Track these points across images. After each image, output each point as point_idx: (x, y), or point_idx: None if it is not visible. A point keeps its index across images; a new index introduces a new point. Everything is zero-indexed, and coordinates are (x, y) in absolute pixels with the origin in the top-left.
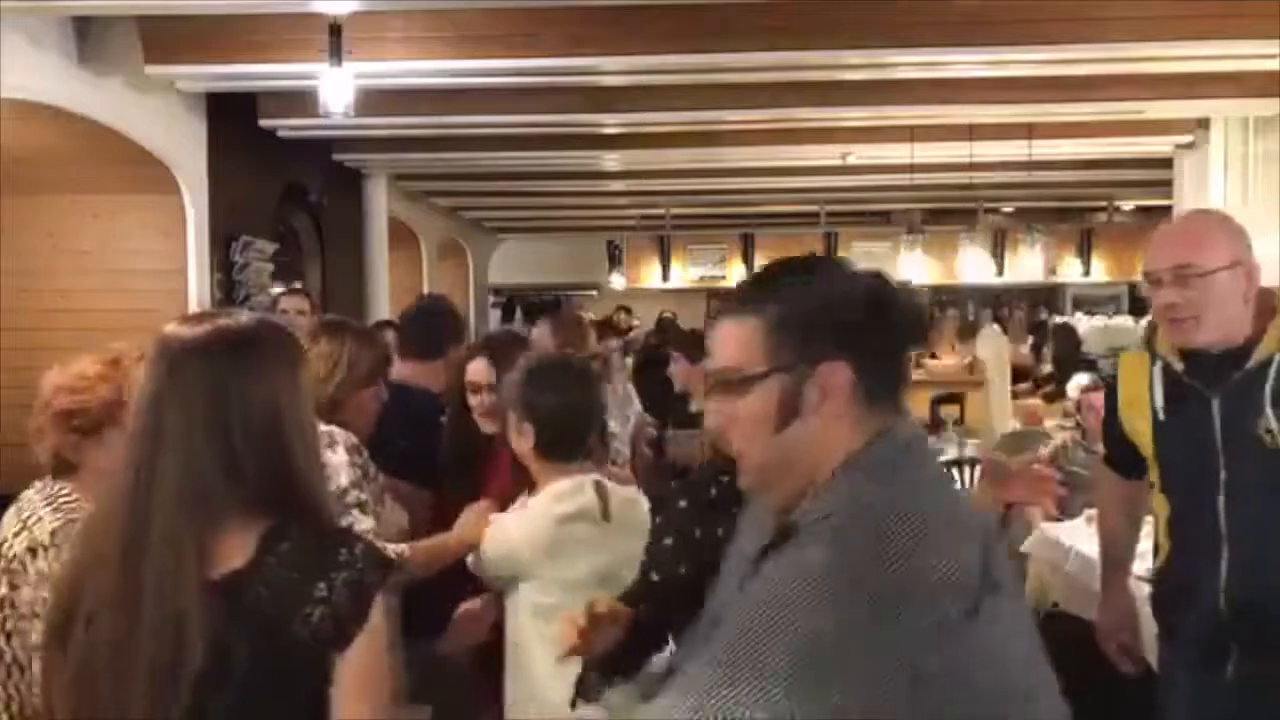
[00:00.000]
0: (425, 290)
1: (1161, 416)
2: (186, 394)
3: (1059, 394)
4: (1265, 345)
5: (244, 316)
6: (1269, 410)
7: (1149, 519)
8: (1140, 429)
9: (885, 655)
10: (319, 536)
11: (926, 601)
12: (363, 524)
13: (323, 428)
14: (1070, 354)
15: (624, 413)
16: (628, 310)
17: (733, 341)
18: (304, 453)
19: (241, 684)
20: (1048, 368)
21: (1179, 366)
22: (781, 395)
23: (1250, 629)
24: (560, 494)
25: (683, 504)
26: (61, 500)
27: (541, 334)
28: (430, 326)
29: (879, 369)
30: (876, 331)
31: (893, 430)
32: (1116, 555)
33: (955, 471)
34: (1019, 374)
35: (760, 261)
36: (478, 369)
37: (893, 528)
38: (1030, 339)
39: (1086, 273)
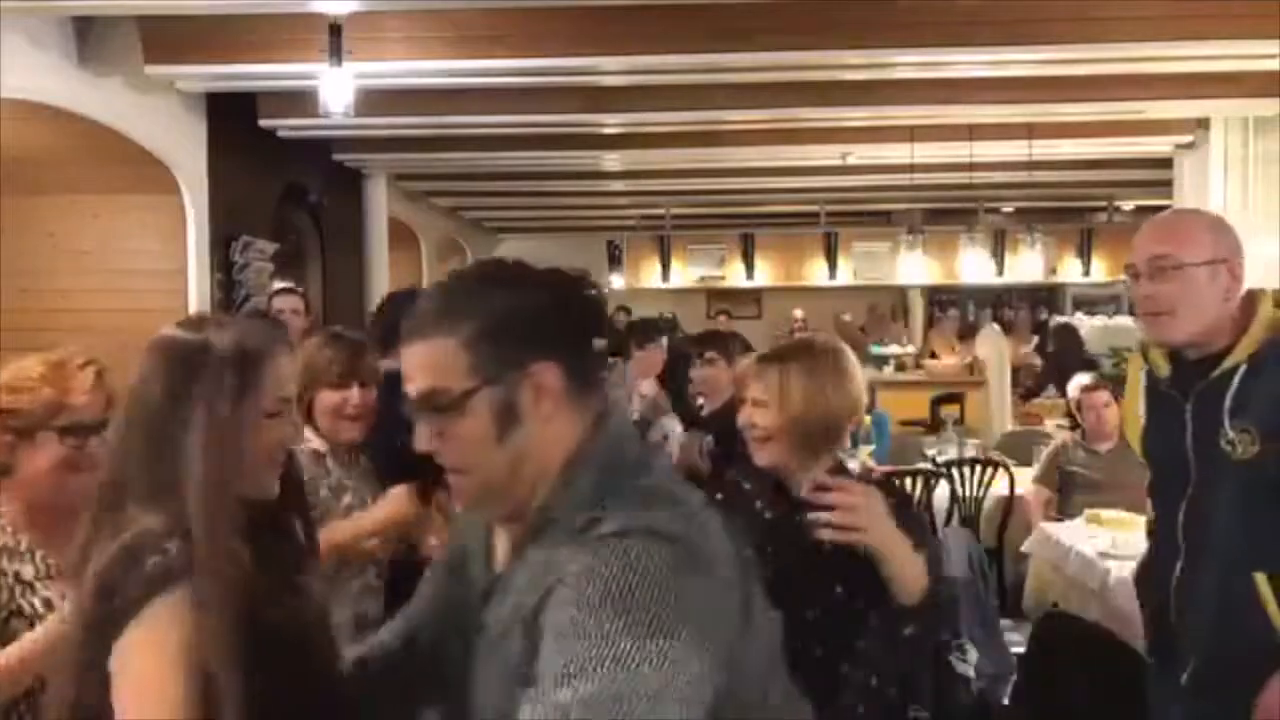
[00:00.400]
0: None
1: (1144, 421)
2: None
3: (1034, 393)
4: (1236, 353)
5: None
6: (1226, 421)
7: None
8: (1132, 433)
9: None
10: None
11: (724, 590)
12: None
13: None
14: (1073, 353)
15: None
16: (627, 310)
17: (431, 363)
18: (199, 465)
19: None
20: (1038, 361)
21: (1164, 371)
22: (497, 407)
23: (1198, 640)
24: None
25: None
26: None
27: None
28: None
29: (580, 361)
30: (569, 325)
31: (607, 416)
32: None
33: (955, 472)
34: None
35: (760, 261)
36: None
37: (674, 528)
38: (1035, 339)
39: (1086, 273)
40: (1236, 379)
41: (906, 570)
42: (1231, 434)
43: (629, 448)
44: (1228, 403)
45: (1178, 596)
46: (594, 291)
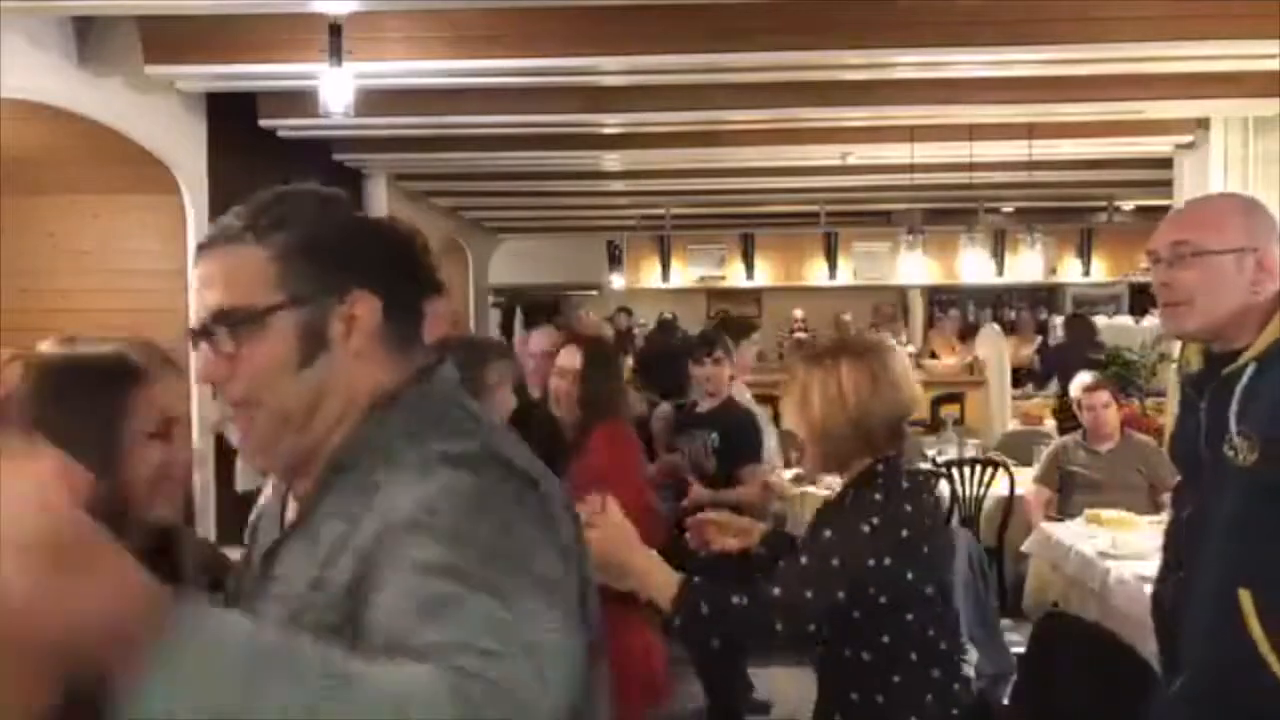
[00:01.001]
0: None
1: (1173, 424)
2: None
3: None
4: (1251, 350)
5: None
6: (1232, 424)
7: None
8: (1169, 433)
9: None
10: None
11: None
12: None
13: None
14: (1082, 346)
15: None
16: (629, 311)
17: (233, 275)
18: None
19: None
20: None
21: (1194, 367)
22: (303, 329)
23: (1191, 651)
24: None
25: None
26: None
27: (539, 340)
28: None
29: (401, 303)
30: (403, 271)
31: (433, 371)
32: None
33: (955, 472)
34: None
35: (760, 261)
36: (568, 356)
37: (505, 467)
38: (1038, 339)
39: (1086, 273)
40: (1245, 378)
41: (648, 581)
42: (1236, 438)
43: (455, 409)
44: (1234, 404)
45: (1175, 605)
46: (428, 250)
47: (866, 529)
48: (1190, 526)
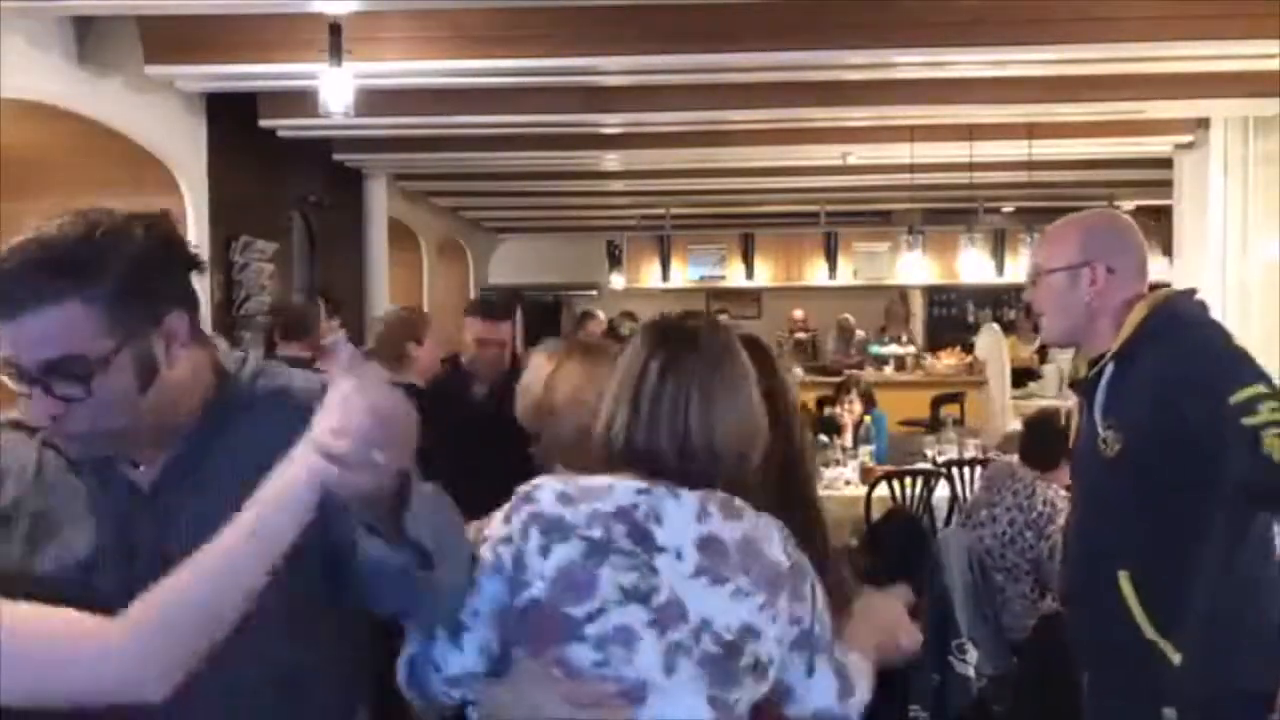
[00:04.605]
0: (425, 290)
1: (1074, 435)
2: None
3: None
4: (1111, 351)
5: None
6: (1099, 420)
7: None
8: None
9: None
10: None
11: None
12: None
13: None
14: None
15: None
16: (633, 316)
17: (57, 331)
18: None
19: None
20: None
21: (1080, 374)
22: (138, 363)
23: (1081, 641)
24: None
25: None
26: None
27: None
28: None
29: (191, 304)
30: (183, 270)
31: (247, 359)
32: None
33: (955, 472)
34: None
35: (760, 261)
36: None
37: None
38: (1038, 339)
39: None
40: (1105, 378)
41: None
42: (1103, 432)
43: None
44: (1098, 401)
45: (1062, 599)
46: (178, 231)
47: None
48: (1073, 524)
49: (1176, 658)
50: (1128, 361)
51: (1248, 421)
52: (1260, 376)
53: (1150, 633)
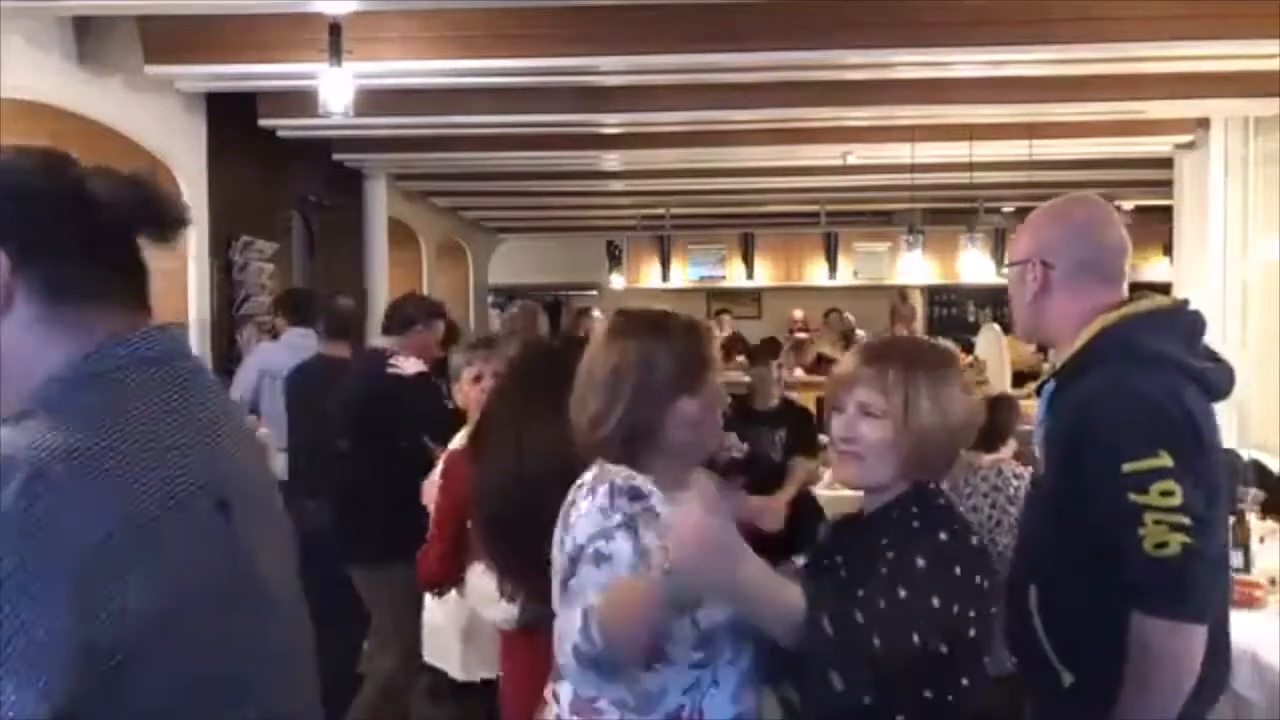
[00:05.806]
0: (425, 290)
1: None
2: None
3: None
4: (1057, 367)
5: None
6: (1036, 436)
7: None
8: None
9: None
10: None
11: None
12: None
13: None
14: None
15: None
16: None
17: None
18: None
19: None
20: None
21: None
22: None
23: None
24: None
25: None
26: None
27: None
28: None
29: (69, 261)
30: (48, 213)
31: (149, 336)
32: None
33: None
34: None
35: (760, 261)
36: None
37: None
38: None
39: None
40: (1046, 393)
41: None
42: (1035, 448)
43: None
44: (1037, 416)
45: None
46: (97, 181)
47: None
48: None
49: (1068, 679)
50: (1068, 381)
51: (1134, 498)
52: (1171, 443)
53: (1048, 649)
